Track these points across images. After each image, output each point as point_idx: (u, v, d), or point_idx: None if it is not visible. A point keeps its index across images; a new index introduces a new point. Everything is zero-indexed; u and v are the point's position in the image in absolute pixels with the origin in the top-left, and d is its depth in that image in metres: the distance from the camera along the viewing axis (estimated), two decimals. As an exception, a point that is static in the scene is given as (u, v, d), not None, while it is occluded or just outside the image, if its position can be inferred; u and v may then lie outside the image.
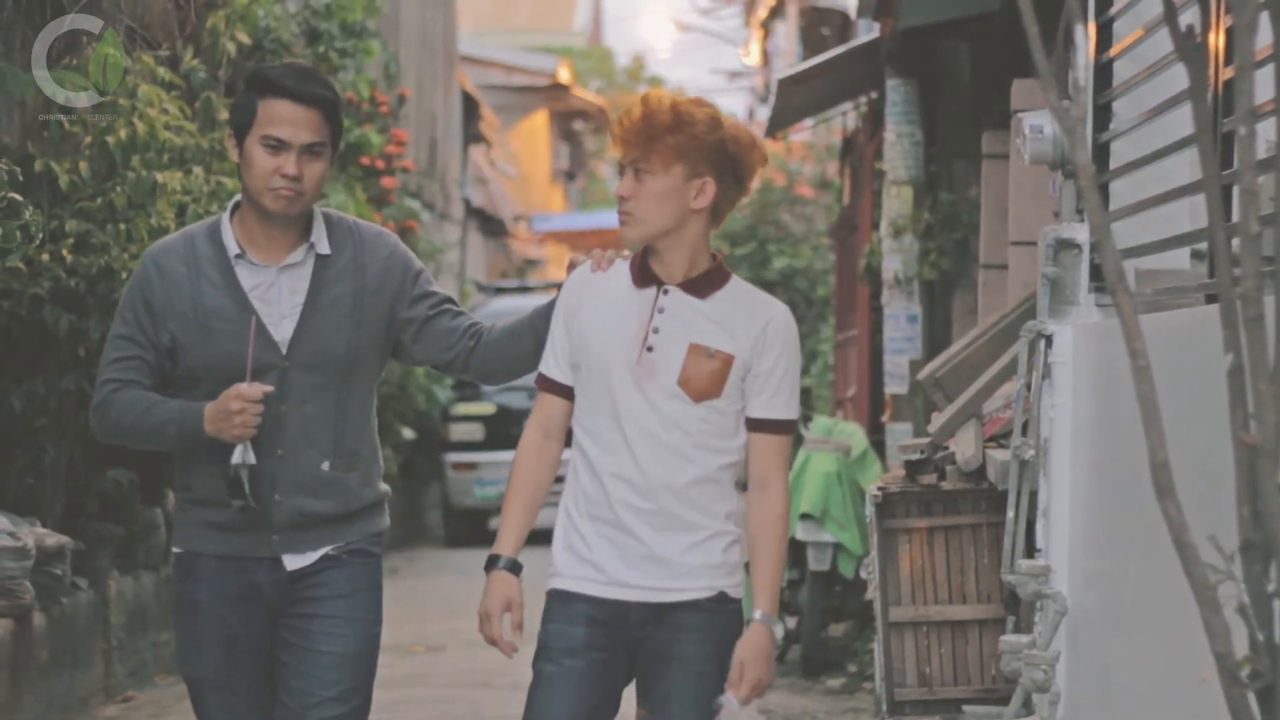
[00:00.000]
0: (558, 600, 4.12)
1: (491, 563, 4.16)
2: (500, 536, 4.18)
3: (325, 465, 4.31)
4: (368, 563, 4.40)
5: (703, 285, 4.11)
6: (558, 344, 4.18)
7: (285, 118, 4.21)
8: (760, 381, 4.09)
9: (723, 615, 4.10)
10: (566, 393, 4.17)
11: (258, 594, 4.32)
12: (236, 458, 4.19)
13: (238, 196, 4.36)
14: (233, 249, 4.29)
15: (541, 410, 4.22)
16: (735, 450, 4.12)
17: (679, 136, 4.01)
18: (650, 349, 4.06)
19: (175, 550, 4.43)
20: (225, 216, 4.34)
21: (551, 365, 4.19)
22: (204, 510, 4.32)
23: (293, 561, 4.32)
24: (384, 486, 4.48)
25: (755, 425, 4.13)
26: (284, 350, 4.26)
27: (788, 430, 4.17)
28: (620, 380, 4.06)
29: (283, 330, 4.27)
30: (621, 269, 4.17)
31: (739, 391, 4.09)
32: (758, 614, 4.07)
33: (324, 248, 4.33)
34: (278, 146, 4.20)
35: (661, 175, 4.03)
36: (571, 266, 4.31)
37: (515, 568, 4.15)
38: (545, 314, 4.34)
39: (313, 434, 4.29)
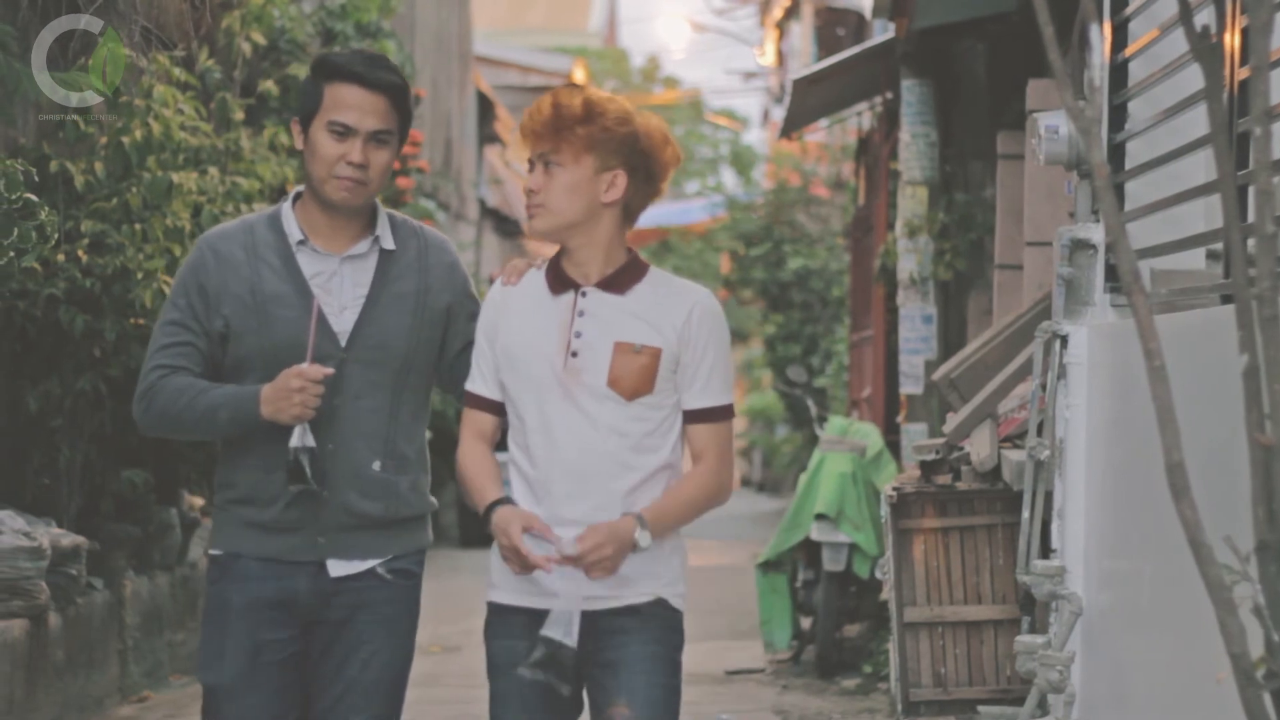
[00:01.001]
0: (497, 614, 4.08)
1: (489, 510, 3.98)
2: (484, 490, 4.02)
3: (376, 464, 4.20)
4: (410, 584, 4.30)
5: (620, 281, 4.03)
6: (483, 361, 4.10)
7: (352, 103, 4.13)
8: (691, 372, 4.01)
9: (661, 619, 4.02)
10: (495, 408, 4.09)
11: (296, 601, 4.19)
12: (295, 440, 4.08)
13: (299, 187, 4.28)
14: (295, 235, 4.20)
15: (473, 422, 4.12)
16: (670, 449, 4.02)
17: (589, 128, 3.96)
18: (575, 354, 3.98)
19: (213, 552, 4.29)
20: (287, 205, 4.26)
21: (479, 382, 4.11)
22: (247, 510, 4.20)
23: (338, 568, 4.19)
24: (433, 499, 4.40)
25: (692, 416, 4.04)
26: (343, 342, 4.16)
27: (725, 416, 4.07)
28: (548, 390, 3.98)
29: (343, 322, 4.17)
30: (536, 279, 4.10)
31: (670, 385, 4.00)
32: (635, 512, 3.93)
33: (389, 242, 4.25)
34: (344, 133, 4.12)
35: (571, 167, 3.97)
36: (493, 280, 4.23)
37: (512, 502, 3.99)
38: None
39: (365, 431, 4.18)
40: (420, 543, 4.35)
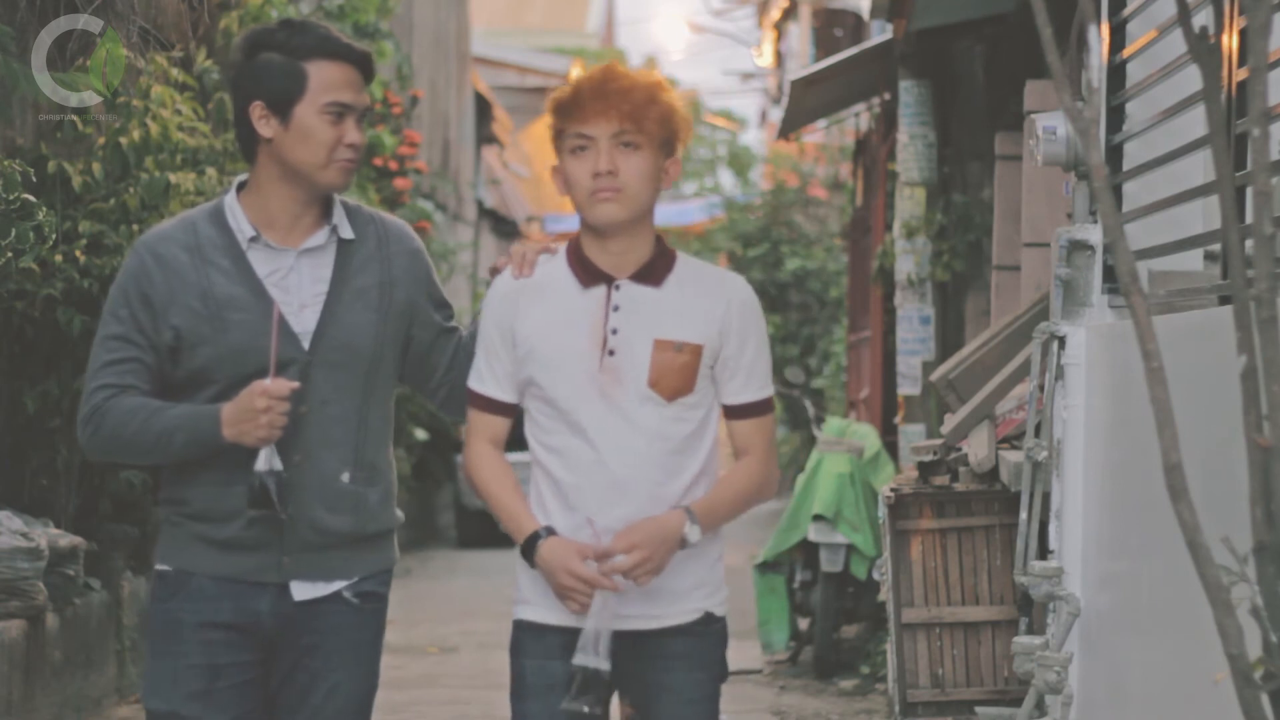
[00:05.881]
0: (529, 633, 3.81)
1: (532, 542, 3.72)
2: (519, 517, 3.76)
3: (345, 476, 3.87)
4: (377, 607, 3.99)
5: (654, 272, 3.78)
6: (495, 360, 3.82)
7: (344, 81, 3.83)
8: (732, 366, 3.79)
9: (709, 638, 3.84)
10: (509, 410, 3.84)
11: (256, 624, 3.86)
12: (262, 464, 3.73)
13: (242, 176, 3.95)
14: (247, 231, 3.84)
15: (484, 426, 3.86)
16: (708, 452, 3.80)
17: (662, 109, 3.71)
18: (612, 352, 3.72)
19: (161, 568, 3.92)
20: (230, 198, 3.90)
21: (489, 383, 3.84)
22: (202, 526, 3.86)
23: (301, 591, 3.88)
24: (399, 513, 4.07)
25: (734, 412, 3.83)
26: (305, 344, 3.82)
27: (768, 410, 3.86)
28: (582, 392, 3.72)
29: (304, 321, 3.83)
30: (557, 269, 3.82)
31: (708, 381, 3.78)
32: (685, 505, 3.73)
33: (347, 231, 3.90)
34: (341, 113, 3.81)
35: (648, 151, 3.71)
36: (494, 272, 3.94)
37: (554, 533, 3.73)
38: None
39: (333, 440, 3.85)
40: (387, 561, 4.02)
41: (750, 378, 3.83)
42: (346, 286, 3.89)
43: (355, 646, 3.94)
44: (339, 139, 3.82)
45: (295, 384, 3.75)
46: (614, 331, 3.74)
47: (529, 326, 3.78)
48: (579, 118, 3.72)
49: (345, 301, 3.88)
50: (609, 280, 3.78)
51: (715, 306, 3.79)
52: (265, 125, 3.83)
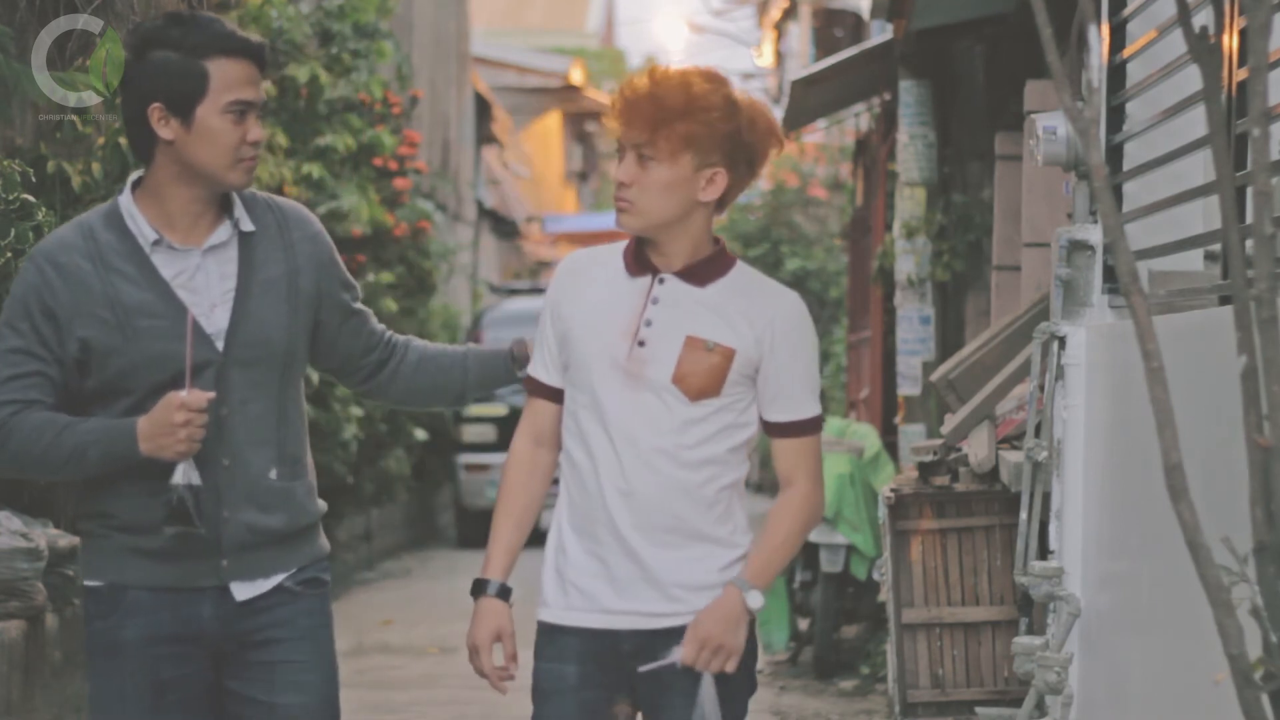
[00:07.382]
0: (545, 635, 3.76)
1: (479, 588, 3.78)
2: (489, 558, 3.79)
3: (273, 473, 3.77)
4: (321, 593, 3.88)
5: (702, 272, 3.72)
6: (546, 342, 3.79)
7: (245, 78, 3.69)
8: (775, 382, 3.70)
9: None
10: (558, 396, 3.79)
11: (199, 632, 3.74)
12: (179, 478, 3.61)
13: (135, 174, 3.80)
14: (149, 234, 3.70)
15: (532, 416, 3.83)
16: (730, 454, 3.73)
17: (691, 124, 3.60)
18: (642, 343, 3.67)
19: (91, 584, 3.78)
20: (126, 200, 3.75)
21: (539, 366, 3.81)
22: (132, 537, 3.73)
23: (242, 590, 3.76)
24: (321, 503, 3.94)
25: (777, 430, 3.75)
26: (219, 345, 3.70)
27: (813, 429, 3.76)
28: (607, 379, 3.68)
29: (216, 321, 3.71)
30: (613, 256, 3.79)
31: (743, 390, 3.70)
32: (734, 578, 3.69)
33: (248, 224, 3.77)
34: (244, 111, 3.68)
35: (668, 164, 3.62)
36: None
37: (505, 593, 3.76)
38: (481, 356, 4.05)
39: (258, 438, 3.75)
40: (321, 551, 3.91)
41: (795, 395, 3.74)
42: (254, 280, 3.77)
43: (309, 633, 3.83)
44: (242, 138, 3.70)
45: (212, 394, 3.63)
46: (648, 323, 3.70)
47: (572, 306, 3.76)
48: (614, 123, 3.70)
49: (255, 296, 3.76)
50: (655, 272, 3.74)
51: (760, 317, 3.71)
52: (165, 127, 3.69)
